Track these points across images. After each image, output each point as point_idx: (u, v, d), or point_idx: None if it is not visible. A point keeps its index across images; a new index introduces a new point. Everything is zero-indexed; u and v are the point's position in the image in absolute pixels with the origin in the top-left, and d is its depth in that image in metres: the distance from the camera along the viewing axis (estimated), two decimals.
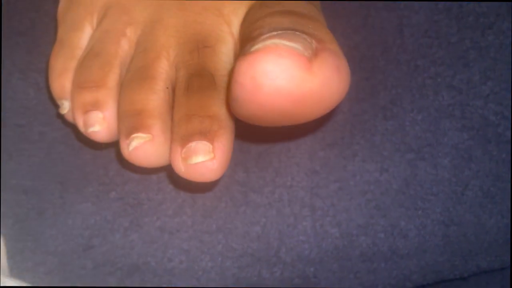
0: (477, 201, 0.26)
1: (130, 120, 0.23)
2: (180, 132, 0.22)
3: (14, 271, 0.26)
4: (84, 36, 0.26)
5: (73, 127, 0.29)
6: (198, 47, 0.24)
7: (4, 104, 0.29)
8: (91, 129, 0.24)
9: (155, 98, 0.24)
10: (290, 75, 0.17)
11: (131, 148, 0.23)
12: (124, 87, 0.24)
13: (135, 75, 0.24)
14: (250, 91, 0.18)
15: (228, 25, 0.24)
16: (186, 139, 0.22)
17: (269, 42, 0.18)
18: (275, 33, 0.18)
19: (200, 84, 0.23)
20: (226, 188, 0.27)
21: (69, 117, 0.26)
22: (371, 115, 0.28)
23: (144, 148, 0.23)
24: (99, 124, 0.24)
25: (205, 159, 0.22)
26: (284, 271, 0.27)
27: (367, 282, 0.27)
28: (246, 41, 0.21)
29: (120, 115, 0.24)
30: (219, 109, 0.23)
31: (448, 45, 0.28)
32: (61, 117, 0.27)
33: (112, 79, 0.24)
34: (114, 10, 0.26)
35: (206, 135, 0.22)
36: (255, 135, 0.28)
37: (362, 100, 0.28)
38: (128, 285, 0.26)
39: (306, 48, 0.18)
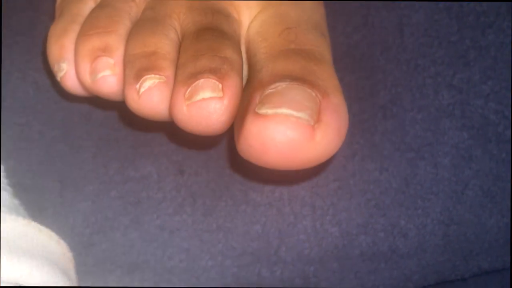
0: (477, 200, 0.26)
1: (141, 61, 0.21)
2: (186, 71, 0.20)
3: None
4: (85, 7, 0.25)
5: (74, 126, 0.29)
6: (212, 12, 0.23)
7: (3, 103, 0.29)
8: (100, 74, 0.22)
9: (167, 42, 0.22)
10: (296, 145, 0.19)
11: (142, 90, 0.21)
12: (133, 33, 0.23)
13: (145, 23, 0.23)
14: (257, 151, 0.20)
15: (238, 13, 0.24)
16: (192, 77, 0.20)
17: (280, 111, 0.19)
18: (284, 85, 0.20)
19: (212, 33, 0.22)
20: (226, 187, 0.28)
21: (67, 81, 0.24)
22: (370, 115, 0.28)
23: (157, 90, 0.21)
24: (110, 69, 0.22)
25: (213, 95, 0.20)
26: (284, 270, 0.27)
27: (367, 282, 0.27)
28: (258, 85, 0.20)
29: (129, 59, 0.22)
30: (232, 54, 0.21)
31: (448, 45, 0.28)
32: (57, 85, 0.26)
33: (122, 27, 0.23)
34: None
35: (216, 73, 0.20)
36: None
37: (362, 99, 0.28)
38: (128, 284, 0.26)
39: (312, 115, 0.19)
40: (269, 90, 0.20)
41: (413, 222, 0.26)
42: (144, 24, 0.23)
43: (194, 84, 0.20)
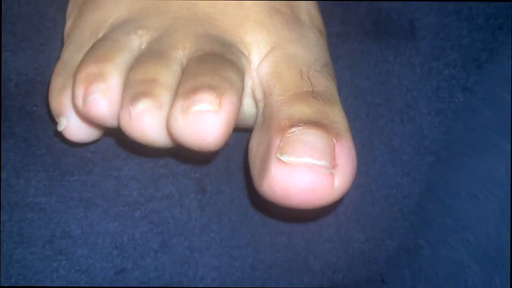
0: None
1: (139, 86, 0.22)
2: (186, 86, 0.21)
3: None
4: None
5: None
6: (220, 43, 0.24)
7: (10, 117, 0.28)
8: (91, 97, 0.22)
9: (169, 73, 0.23)
10: (318, 191, 0.21)
11: (134, 112, 0.21)
12: (137, 61, 0.23)
13: (149, 53, 0.23)
14: (280, 196, 0.22)
15: (248, 51, 0.25)
16: (191, 91, 0.21)
17: (303, 160, 0.21)
18: (303, 130, 0.22)
19: (216, 57, 0.23)
20: (250, 201, 0.28)
21: (66, 134, 0.26)
22: (388, 120, 0.29)
23: (148, 113, 0.21)
24: (101, 93, 0.22)
25: (209, 108, 0.20)
26: (313, 279, 0.28)
27: (392, 279, 0.28)
28: (277, 128, 0.22)
29: (128, 83, 0.22)
30: (233, 75, 0.22)
31: (461, 47, 0.29)
32: (59, 135, 0.27)
33: (121, 57, 0.23)
34: (123, 23, 0.25)
35: (214, 89, 0.21)
36: None
37: (379, 105, 0.29)
38: None
39: (331, 163, 0.21)
40: (289, 134, 0.22)
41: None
42: (148, 54, 0.24)
43: (192, 97, 0.21)
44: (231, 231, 0.28)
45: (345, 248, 0.28)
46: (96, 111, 0.22)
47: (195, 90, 0.21)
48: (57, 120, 0.26)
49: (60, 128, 0.25)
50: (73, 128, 0.25)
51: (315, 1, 0.28)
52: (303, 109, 0.22)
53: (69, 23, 0.27)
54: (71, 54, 0.26)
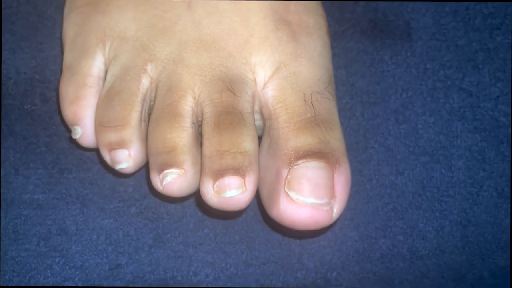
0: (492, 201, 0.27)
1: (162, 157, 0.25)
2: (213, 167, 0.24)
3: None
4: (95, 64, 0.27)
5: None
6: (227, 87, 0.25)
7: (9, 115, 0.29)
8: (118, 166, 0.26)
9: (184, 135, 0.25)
10: (319, 223, 0.24)
11: (165, 182, 0.25)
12: (154, 125, 0.26)
13: (163, 113, 0.26)
14: (287, 222, 0.25)
15: (253, 73, 0.26)
16: (219, 174, 0.24)
17: (308, 200, 0.24)
18: (308, 164, 0.24)
19: (231, 120, 0.25)
20: None
21: (81, 142, 0.27)
22: (383, 119, 0.29)
23: (177, 182, 0.25)
24: (126, 162, 0.26)
25: (238, 193, 0.24)
26: (307, 276, 0.28)
27: (385, 278, 0.28)
28: (285, 159, 0.24)
29: (152, 152, 0.26)
30: (250, 145, 0.25)
31: (456, 48, 0.29)
32: (73, 141, 0.27)
33: (135, 117, 0.26)
34: (132, 45, 0.26)
35: (238, 171, 0.24)
36: None
37: (374, 104, 0.29)
38: None
39: (331, 197, 0.24)
40: (295, 167, 0.24)
41: (431, 224, 0.28)
42: (161, 116, 0.26)
43: (221, 181, 0.24)
44: (226, 227, 0.28)
45: (339, 246, 0.28)
46: (125, 173, 0.27)
47: (222, 172, 0.24)
48: (71, 128, 0.27)
49: (76, 136, 0.27)
50: (88, 136, 0.27)
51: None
52: (308, 140, 0.25)
53: (66, 23, 0.28)
54: (76, 59, 0.27)
